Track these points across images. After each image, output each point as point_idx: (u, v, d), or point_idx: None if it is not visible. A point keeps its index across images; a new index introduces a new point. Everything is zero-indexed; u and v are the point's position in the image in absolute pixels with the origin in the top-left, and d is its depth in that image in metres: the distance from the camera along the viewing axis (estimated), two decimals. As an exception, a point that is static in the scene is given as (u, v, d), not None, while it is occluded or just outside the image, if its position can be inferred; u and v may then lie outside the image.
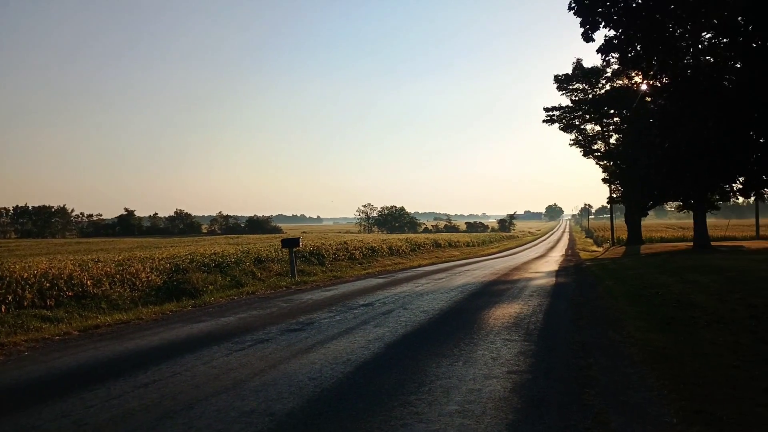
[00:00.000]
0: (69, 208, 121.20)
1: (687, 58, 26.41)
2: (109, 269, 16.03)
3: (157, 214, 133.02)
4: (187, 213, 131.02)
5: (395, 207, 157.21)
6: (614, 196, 50.18)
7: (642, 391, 6.34)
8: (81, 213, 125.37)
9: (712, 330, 9.43)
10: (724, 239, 47.14)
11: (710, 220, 50.60)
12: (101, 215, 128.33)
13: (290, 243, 21.48)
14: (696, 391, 6.04)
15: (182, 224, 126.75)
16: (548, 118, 51.68)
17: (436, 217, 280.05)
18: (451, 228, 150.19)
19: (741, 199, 47.70)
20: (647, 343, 8.59)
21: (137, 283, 15.91)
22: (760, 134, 18.50)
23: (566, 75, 48.81)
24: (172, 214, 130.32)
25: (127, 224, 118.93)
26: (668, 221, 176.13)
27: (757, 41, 15.91)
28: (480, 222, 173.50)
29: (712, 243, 36.95)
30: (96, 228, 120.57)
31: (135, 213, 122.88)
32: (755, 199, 43.66)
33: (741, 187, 27.15)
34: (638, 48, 22.07)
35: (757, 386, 6.19)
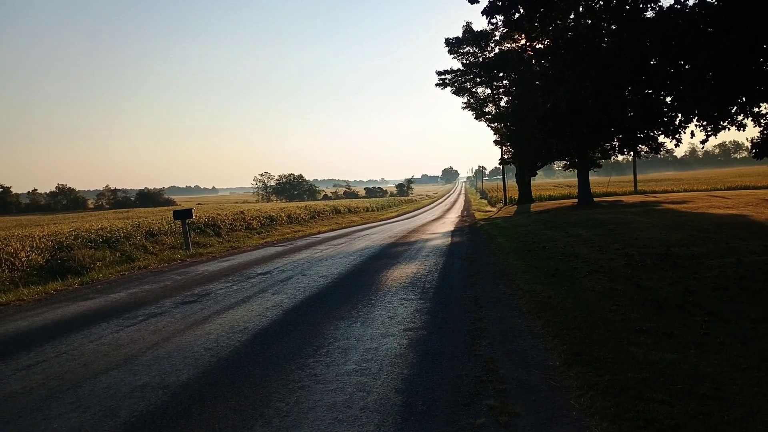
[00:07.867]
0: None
1: (568, 20, 27.51)
2: (-18, 251, 14.84)
3: (36, 190, 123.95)
4: (70, 188, 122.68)
5: (293, 175, 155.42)
6: (506, 157, 51.84)
7: (529, 338, 6.70)
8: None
9: (593, 279, 10.08)
10: (606, 195, 50.34)
11: (593, 177, 53.63)
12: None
13: (183, 214, 20.77)
14: (576, 335, 6.44)
15: (66, 200, 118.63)
16: (441, 81, 52.48)
17: (336, 183, 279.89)
18: (350, 194, 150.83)
19: (621, 157, 50.78)
20: (534, 294, 9.06)
21: (17, 263, 14.84)
22: (633, 93, 19.67)
23: (457, 38, 49.49)
24: (54, 189, 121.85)
25: (3, 202, 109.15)
26: (556, 180, 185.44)
27: (630, 3, 16.82)
28: (379, 187, 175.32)
29: (595, 199, 39.41)
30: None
31: (11, 190, 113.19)
32: (633, 157, 46.70)
33: (618, 144, 28.84)
34: (521, 10, 22.66)
35: (631, 327, 6.69)
